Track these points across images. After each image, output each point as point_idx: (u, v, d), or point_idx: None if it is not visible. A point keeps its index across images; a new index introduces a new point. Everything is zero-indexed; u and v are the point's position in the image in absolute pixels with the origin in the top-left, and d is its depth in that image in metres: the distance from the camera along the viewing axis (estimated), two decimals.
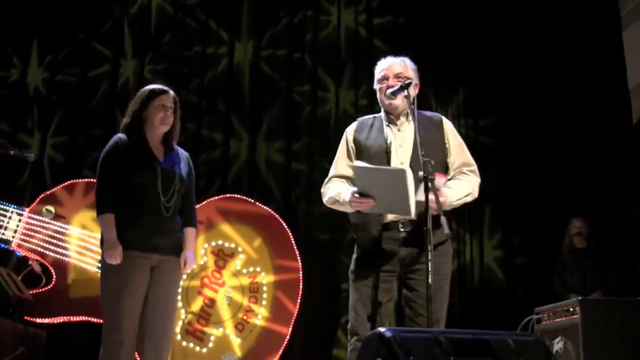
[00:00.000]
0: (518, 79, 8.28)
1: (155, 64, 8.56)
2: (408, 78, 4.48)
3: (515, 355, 3.05)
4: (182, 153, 5.01)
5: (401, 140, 4.48)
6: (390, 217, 4.37)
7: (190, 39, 8.66)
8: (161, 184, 4.74)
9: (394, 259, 4.35)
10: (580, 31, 8.15)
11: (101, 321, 4.68)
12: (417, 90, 4.55)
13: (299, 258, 7.05)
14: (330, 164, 8.03)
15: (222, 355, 6.78)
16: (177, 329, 6.80)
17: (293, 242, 7.09)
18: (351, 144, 4.64)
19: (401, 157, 4.42)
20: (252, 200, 7.31)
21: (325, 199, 4.62)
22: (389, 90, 4.45)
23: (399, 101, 4.45)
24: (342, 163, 4.66)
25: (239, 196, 7.34)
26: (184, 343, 6.80)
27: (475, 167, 4.54)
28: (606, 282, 7.43)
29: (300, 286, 6.99)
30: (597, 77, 8.04)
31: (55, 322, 6.77)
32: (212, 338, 6.85)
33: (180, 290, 6.75)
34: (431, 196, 3.97)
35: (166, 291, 4.77)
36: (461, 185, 4.41)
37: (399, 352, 2.70)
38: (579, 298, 5.77)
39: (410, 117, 4.47)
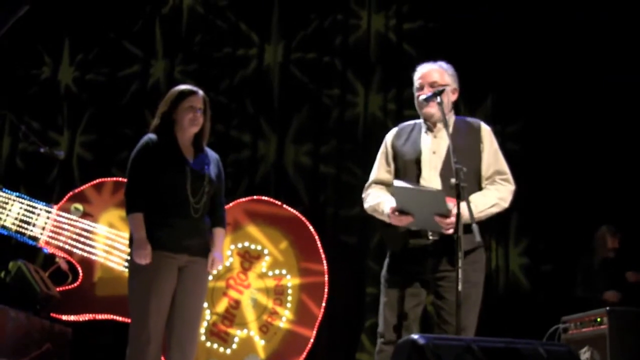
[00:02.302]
0: (546, 86, 8.23)
1: (185, 65, 8.61)
2: (445, 84, 4.48)
3: None
4: (212, 154, 4.99)
5: (436, 147, 4.45)
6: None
7: (220, 40, 8.70)
8: (190, 186, 4.72)
9: (422, 265, 4.34)
10: (609, 37, 8.11)
11: (126, 320, 4.71)
12: (455, 95, 4.57)
13: (324, 261, 7.04)
14: (358, 167, 8.10)
15: (246, 357, 6.79)
16: (202, 330, 6.81)
17: (319, 245, 7.09)
18: (389, 149, 4.63)
19: (434, 164, 4.40)
20: (279, 203, 7.31)
21: (365, 206, 4.62)
22: (421, 97, 4.46)
23: (434, 109, 4.43)
24: (381, 168, 4.67)
25: (266, 198, 7.34)
26: (208, 344, 6.82)
27: (508, 176, 4.48)
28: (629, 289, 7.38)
29: (326, 290, 6.98)
30: (626, 83, 7.99)
31: (81, 319, 6.81)
32: (236, 339, 6.86)
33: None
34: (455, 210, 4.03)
35: (193, 292, 4.75)
36: (485, 197, 4.36)
37: (432, 359, 2.70)
38: (607, 308, 5.73)
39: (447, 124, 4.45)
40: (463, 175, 3.99)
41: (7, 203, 6.92)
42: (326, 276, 7.00)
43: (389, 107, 8.36)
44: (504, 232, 8.14)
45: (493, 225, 7.82)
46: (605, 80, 8.01)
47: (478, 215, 4.18)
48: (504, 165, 4.51)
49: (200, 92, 4.89)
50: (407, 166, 4.46)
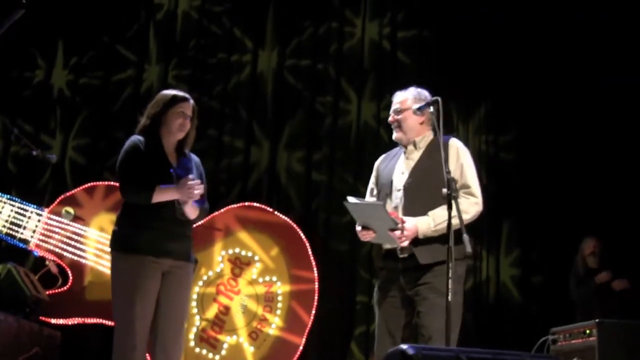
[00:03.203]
0: (540, 96, 8.25)
1: (179, 70, 8.61)
2: (406, 108, 4.69)
3: None
4: (194, 158, 4.96)
5: (404, 168, 4.67)
6: (387, 245, 4.56)
7: (214, 46, 8.71)
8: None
9: (396, 283, 4.52)
10: (603, 47, 8.14)
11: None
12: (423, 117, 4.68)
13: (315, 269, 7.04)
14: (351, 175, 8.11)
15: None
16: (191, 335, 6.81)
17: (310, 252, 7.08)
18: (375, 173, 4.89)
19: (399, 184, 4.63)
20: (271, 209, 7.31)
21: None
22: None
23: (399, 134, 4.72)
24: (369, 192, 4.91)
25: (257, 205, 7.34)
26: (197, 350, 6.81)
27: (472, 189, 4.56)
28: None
29: (316, 297, 6.98)
30: (618, 94, 8.01)
31: (70, 323, 6.80)
32: (226, 346, 6.85)
33: (196, 296, 6.79)
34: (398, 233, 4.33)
35: (178, 296, 4.70)
36: (443, 210, 4.34)
37: None
38: (596, 320, 5.73)
39: (418, 146, 4.69)
40: (455, 185, 4.17)
41: None
42: (316, 283, 7.00)
43: (382, 115, 8.36)
44: (495, 243, 8.14)
45: (482, 233, 7.87)
46: (601, 83, 8.03)
47: (436, 228, 4.37)
48: (469, 180, 4.59)
49: (191, 100, 4.89)
50: (383, 189, 4.72)
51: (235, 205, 7.28)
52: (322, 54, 8.62)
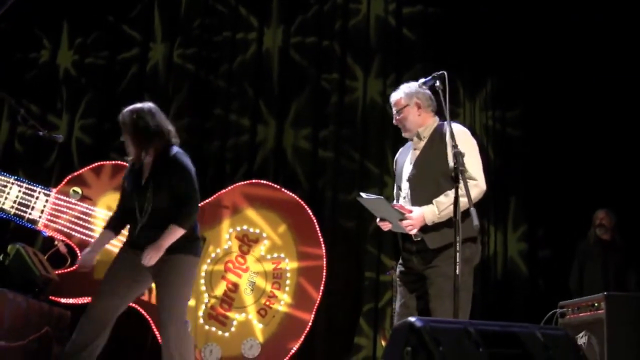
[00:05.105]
0: (546, 71, 8.24)
1: (184, 49, 8.58)
2: (404, 106, 4.84)
3: (543, 348, 3.04)
4: (170, 160, 5.13)
5: (412, 159, 4.84)
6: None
7: (220, 24, 8.67)
8: (138, 206, 5.07)
9: (412, 262, 4.75)
10: (607, 22, 8.11)
11: None
12: (420, 110, 4.83)
13: (323, 245, 7.05)
14: (357, 152, 8.10)
15: (244, 341, 6.80)
16: (200, 313, 6.84)
17: (318, 229, 7.09)
18: (395, 166, 5.10)
19: (406, 175, 4.83)
20: (278, 187, 7.31)
21: None
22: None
23: (406, 132, 4.89)
24: (395, 182, 5.13)
25: (265, 182, 7.34)
26: (207, 327, 6.82)
27: (470, 172, 4.56)
28: (628, 279, 7.38)
29: (324, 273, 6.99)
30: (625, 68, 7.99)
31: (80, 302, 6.80)
32: (235, 323, 6.87)
33: (204, 274, 6.80)
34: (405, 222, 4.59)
35: (160, 284, 5.07)
36: (446, 196, 4.57)
37: (429, 342, 2.71)
38: (605, 293, 5.74)
39: (422, 136, 4.83)
40: (462, 159, 4.30)
41: (5, 186, 6.90)
42: (324, 260, 7.01)
43: (388, 92, 8.32)
44: (502, 218, 8.15)
45: (489, 209, 7.87)
46: (609, 61, 8.02)
47: (441, 214, 4.55)
48: (471, 165, 4.59)
49: (120, 117, 5.27)
50: (397, 180, 4.99)
51: (242, 183, 7.27)
52: (327, 31, 8.61)
